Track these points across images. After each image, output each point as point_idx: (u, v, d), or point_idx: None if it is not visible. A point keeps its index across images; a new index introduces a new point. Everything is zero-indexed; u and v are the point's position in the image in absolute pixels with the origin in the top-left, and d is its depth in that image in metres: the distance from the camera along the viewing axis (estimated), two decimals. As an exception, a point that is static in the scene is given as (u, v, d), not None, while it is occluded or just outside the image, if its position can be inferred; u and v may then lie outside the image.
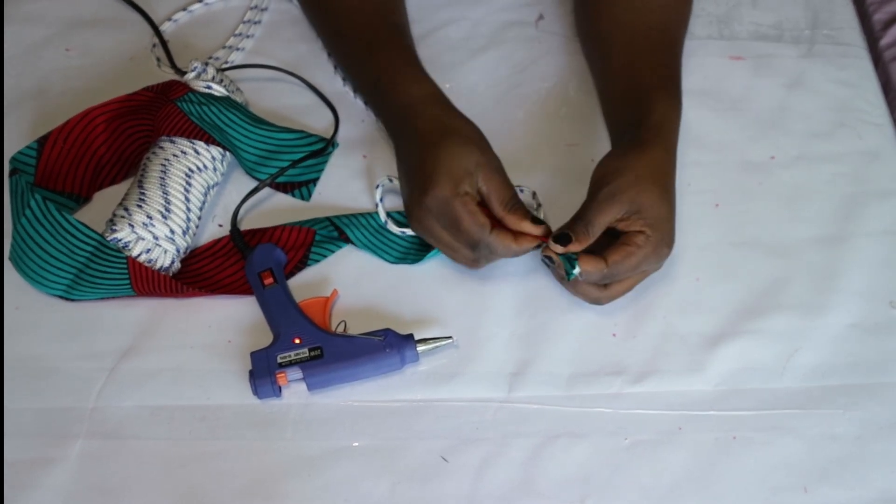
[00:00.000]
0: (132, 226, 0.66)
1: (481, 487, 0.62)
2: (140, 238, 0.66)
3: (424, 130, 0.66)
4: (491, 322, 0.68)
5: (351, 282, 0.69)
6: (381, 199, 0.71)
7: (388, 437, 0.63)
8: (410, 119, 0.68)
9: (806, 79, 0.81)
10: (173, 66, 0.80)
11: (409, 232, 0.70)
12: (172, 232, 0.67)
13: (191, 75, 0.74)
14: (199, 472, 0.62)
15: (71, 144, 0.72)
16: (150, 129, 0.73)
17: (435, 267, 0.70)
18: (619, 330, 0.68)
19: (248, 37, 0.83)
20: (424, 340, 0.65)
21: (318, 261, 0.71)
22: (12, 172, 0.69)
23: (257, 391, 0.63)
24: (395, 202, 0.73)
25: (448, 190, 0.62)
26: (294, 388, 0.64)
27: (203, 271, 0.69)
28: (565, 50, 0.83)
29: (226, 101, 0.72)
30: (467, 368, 0.66)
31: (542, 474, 0.62)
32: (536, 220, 0.64)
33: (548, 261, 0.64)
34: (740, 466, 0.62)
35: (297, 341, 0.64)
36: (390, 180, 0.72)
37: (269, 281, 0.67)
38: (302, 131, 0.75)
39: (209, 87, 0.73)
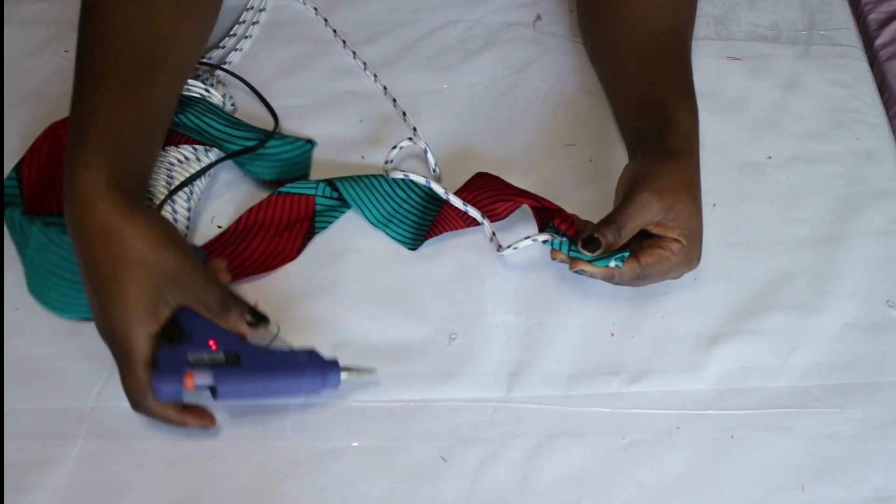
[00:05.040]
0: None
1: (480, 487, 0.62)
2: None
3: (92, 258, 0.56)
4: (489, 322, 0.68)
5: (352, 277, 0.70)
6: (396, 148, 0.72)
7: (386, 437, 0.63)
8: (81, 222, 0.56)
9: (802, 79, 0.82)
10: None
11: (411, 176, 0.70)
12: None
13: None
14: (198, 472, 0.62)
15: (45, 164, 0.70)
16: None
17: (433, 266, 0.70)
18: (617, 330, 0.68)
19: (246, 37, 0.83)
20: (348, 369, 0.63)
21: (324, 228, 0.71)
22: (4, 207, 0.68)
23: (160, 389, 0.56)
24: (412, 165, 0.74)
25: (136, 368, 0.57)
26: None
27: None
28: (563, 51, 0.83)
29: (201, 106, 0.72)
30: (465, 369, 0.66)
31: (540, 474, 0.62)
32: (256, 315, 0.60)
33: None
34: (738, 465, 0.63)
35: (213, 345, 0.59)
36: (409, 140, 0.72)
37: None
38: (280, 133, 0.75)
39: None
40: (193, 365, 0.57)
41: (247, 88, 0.78)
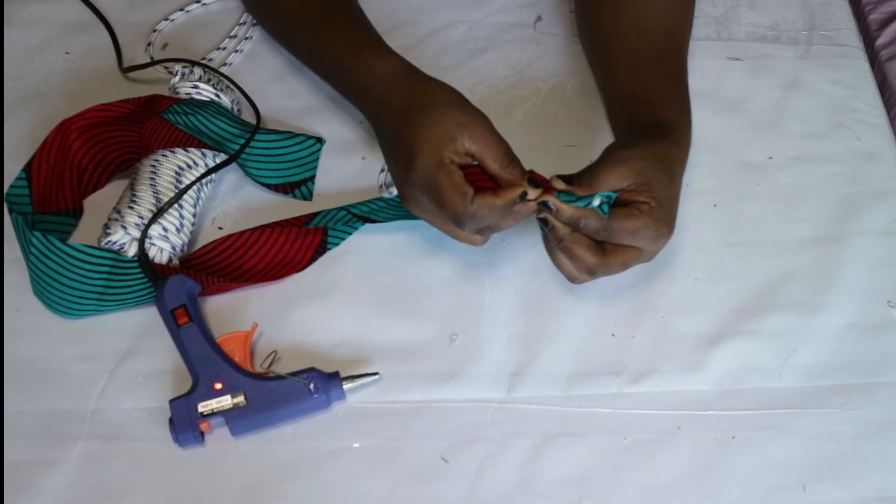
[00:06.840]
0: (125, 227, 0.66)
1: (481, 487, 0.62)
2: (134, 239, 0.66)
3: (399, 105, 0.63)
4: (490, 322, 0.68)
5: (353, 278, 0.70)
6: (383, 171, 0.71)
7: (387, 437, 0.63)
8: (383, 96, 0.65)
9: (803, 79, 0.82)
10: (120, 67, 0.80)
11: None
12: (165, 230, 0.67)
13: (176, 79, 0.74)
14: (199, 473, 0.62)
15: (54, 163, 0.71)
16: (132, 138, 0.72)
17: (433, 266, 0.70)
18: (617, 330, 0.68)
19: (246, 38, 0.83)
20: (351, 378, 0.64)
21: (336, 244, 0.71)
22: (9, 210, 0.68)
23: (179, 441, 0.61)
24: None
25: (430, 161, 0.59)
26: (217, 434, 0.63)
27: (207, 266, 0.69)
28: (563, 51, 0.83)
29: (212, 109, 0.72)
30: (466, 369, 0.66)
31: (541, 474, 0.62)
32: (534, 182, 0.60)
33: (543, 218, 0.61)
34: (739, 465, 0.63)
35: (219, 386, 0.62)
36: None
37: (183, 320, 0.63)
38: (289, 132, 0.75)
39: (196, 87, 0.73)
40: (204, 416, 0.61)
41: (249, 89, 0.78)
